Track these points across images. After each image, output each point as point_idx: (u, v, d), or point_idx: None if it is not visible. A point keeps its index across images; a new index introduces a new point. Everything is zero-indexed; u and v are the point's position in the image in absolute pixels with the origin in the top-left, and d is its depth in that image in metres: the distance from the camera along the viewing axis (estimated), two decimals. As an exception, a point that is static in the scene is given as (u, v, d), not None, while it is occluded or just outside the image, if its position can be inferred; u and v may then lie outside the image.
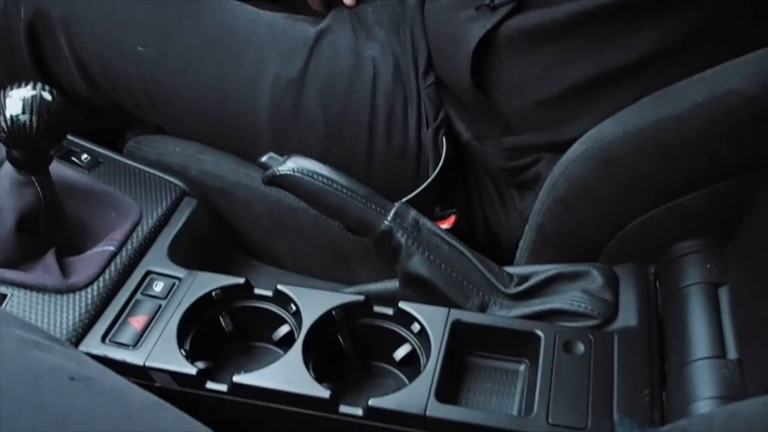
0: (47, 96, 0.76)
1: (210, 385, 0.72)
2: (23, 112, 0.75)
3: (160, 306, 0.78)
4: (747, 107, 0.68)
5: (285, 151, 0.84)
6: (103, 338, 0.75)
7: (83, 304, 0.77)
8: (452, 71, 0.92)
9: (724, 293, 0.72)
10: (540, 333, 0.72)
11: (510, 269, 0.81)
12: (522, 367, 0.74)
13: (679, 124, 0.67)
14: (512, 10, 0.85)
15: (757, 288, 0.65)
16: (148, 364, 0.72)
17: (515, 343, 0.74)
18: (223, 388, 0.71)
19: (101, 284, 0.79)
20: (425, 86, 0.96)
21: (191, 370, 0.72)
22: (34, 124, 0.75)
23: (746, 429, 0.51)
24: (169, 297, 0.78)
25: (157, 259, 0.83)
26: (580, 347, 0.71)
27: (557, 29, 0.83)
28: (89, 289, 0.78)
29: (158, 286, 0.80)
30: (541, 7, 0.83)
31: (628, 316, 0.74)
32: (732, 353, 0.67)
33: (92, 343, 0.75)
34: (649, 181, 0.69)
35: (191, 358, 0.73)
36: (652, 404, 0.68)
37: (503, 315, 0.76)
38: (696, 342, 0.69)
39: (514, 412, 0.71)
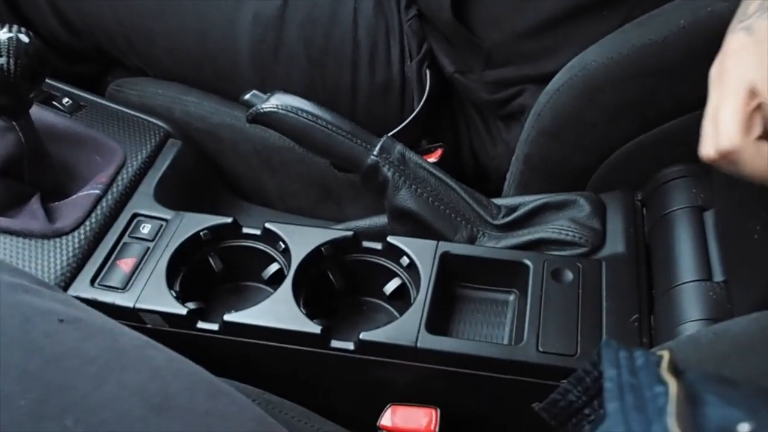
0: (24, 38, 0.75)
1: (201, 324, 0.72)
2: (0, 55, 0.73)
3: (148, 248, 0.77)
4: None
5: (268, 89, 0.83)
6: (92, 282, 0.75)
7: (70, 249, 0.77)
8: (433, 4, 0.91)
9: (709, 217, 0.73)
10: (528, 262, 0.73)
11: (498, 201, 0.81)
12: (511, 297, 0.75)
13: (662, 49, 0.67)
14: None
15: (741, 211, 0.66)
16: (138, 305, 0.72)
17: (504, 274, 0.74)
18: (215, 327, 0.72)
19: (88, 228, 0.79)
20: (407, 19, 0.94)
21: (182, 310, 0.72)
22: (12, 67, 0.74)
23: (731, 347, 0.52)
24: (156, 239, 0.78)
25: (144, 202, 0.83)
26: (569, 275, 0.72)
27: None
28: (76, 233, 0.78)
29: (145, 228, 0.79)
30: None
31: (615, 243, 0.74)
32: (718, 275, 0.67)
33: (81, 287, 0.75)
34: (633, 108, 0.68)
35: (181, 298, 0.74)
36: (641, 329, 0.69)
37: (492, 246, 0.76)
38: (682, 266, 0.69)
39: (505, 342, 0.71)
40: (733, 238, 0.67)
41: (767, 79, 0.52)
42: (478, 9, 0.88)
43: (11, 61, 0.74)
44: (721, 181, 0.72)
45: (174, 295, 0.73)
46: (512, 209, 0.79)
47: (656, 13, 0.73)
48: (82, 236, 0.78)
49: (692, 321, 0.64)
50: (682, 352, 0.54)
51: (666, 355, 0.42)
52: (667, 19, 0.70)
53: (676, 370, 0.41)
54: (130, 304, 0.73)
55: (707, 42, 0.68)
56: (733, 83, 0.53)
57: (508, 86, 0.89)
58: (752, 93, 0.52)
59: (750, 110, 0.52)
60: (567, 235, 0.74)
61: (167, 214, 0.81)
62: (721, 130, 0.52)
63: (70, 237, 0.78)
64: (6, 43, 0.74)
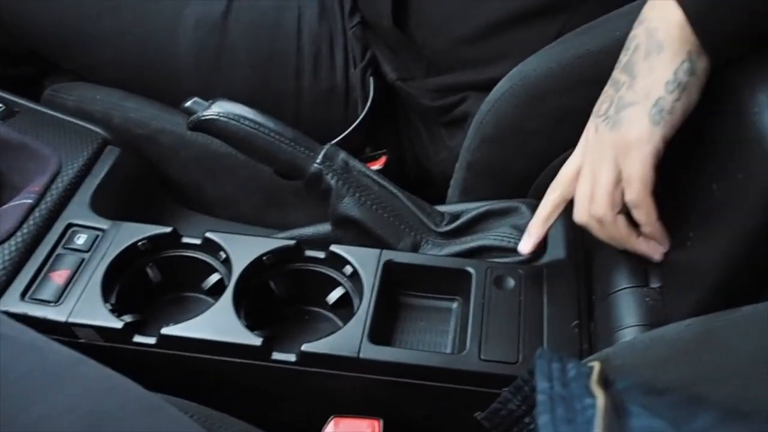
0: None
1: (137, 338, 0.70)
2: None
3: (83, 259, 0.75)
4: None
5: (210, 96, 0.82)
6: (23, 295, 0.72)
7: (0, 261, 0.74)
8: (374, 11, 0.90)
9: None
10: (471, 270, 0.72)
11: (441, 208, 0.81)
12: (455, 305, 0.74)
13: (600, 59, 0.68)
14: None
15: (673, 217, 0.67)
16: (72, 319, 0.70)
17: (447, 281, 0.74)
18: (152, 341, 0.70)
19: (19, 239, 0.76)
20: (351, 26, 0.94)
21: (117, 323, 0.70)
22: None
23: (666, 353, 0.53)
24: (92, 249, 0.76)
25: (79, 211, 0.80)
26: (511, 282, 0.72)
27: None
28: (6, 245, 0.75)
29: (80, 239, 0.77)
30: None
31: (556, 250, 0.75)
32: (654, 281, 0.68)
33: (10, 302, 0.72)
34: (573, 117, 0.69)
35: (118, 311, 0.72)
36: (581, 335, 0.69)
37: (435, 254, 0.76)
38: (620, 272, 0.70)
39: (448, 350, 0.71)
40: (670, 245, 0.68)
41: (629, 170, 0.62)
42: (418, 16, 0.88)
43: (-63, 66, 0.71)
44: (656, 188, 0.73)
45: (109, 308, 0.71)
46: (456, 216, 0.79)
47: (593, 25, 0.74)
48: (13, 248, 0.75)
49: (629, 327, 0.65)
50: (619, 358, 0.55)
51: (597, 366, 0.43)
52: (604, 31, 0.71)
53: (606, 380, 0.42)
54: (63, 318, 0.70)
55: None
56: (606, 165, 0.63)
57: (450, 93, 0.89)
58: (618, 178, 0.63)
59: (616, 191, 0.64)
60: (509, 242, 0.74)
61: (104, 223, 0.78)
62: (596, 202, 0.64)
63: (0, 248, 0.75)
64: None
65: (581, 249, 0.76)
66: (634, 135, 0.61)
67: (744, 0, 0.57)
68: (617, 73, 0.63)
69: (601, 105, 0.64)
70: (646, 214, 0.64)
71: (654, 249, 0.66)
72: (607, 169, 0.63)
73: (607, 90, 0.64)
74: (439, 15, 0.86)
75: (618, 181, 0.63)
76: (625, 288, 0.68)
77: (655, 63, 0.60)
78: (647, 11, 0.62)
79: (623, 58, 0.63)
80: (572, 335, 0.69)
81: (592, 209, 0.65)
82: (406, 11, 0.88)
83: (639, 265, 0.68)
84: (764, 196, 0.53)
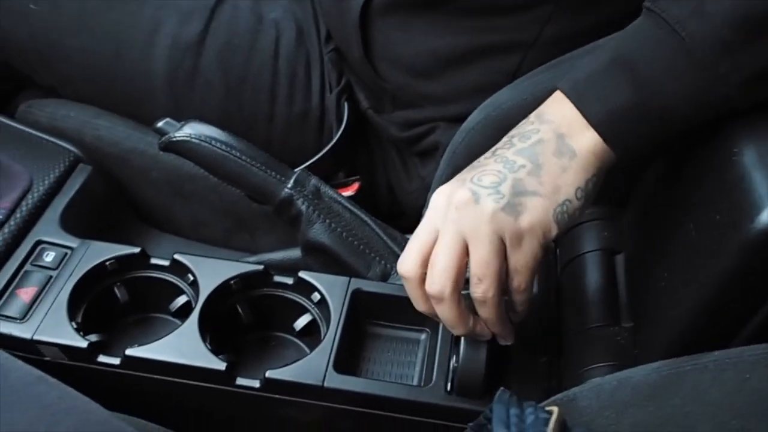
0: None
1: (102, 358, 0.69)
2: None
3: (50, 277, 0.74)
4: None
5: (184, 116, 0.82)
6: (-12, 311, 0.72)
7: (-33, 276, 0.73)
8: (345, 41, 0.91)
9: (620, 261, 0.74)
10: (440, 301, 0.72)
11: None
12: (423, 336, 0.74)
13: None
14: None
15: (648, 256, 0.67)
16: (37, 337, 0.69)
17: (416, 312, 0.73)
18: (116, 361, 0.69)
19: (-14, 255, 0.75)
20: (327, 51, 0.94)
21: (82, 343, 0.69)
22: None
23: (632, 396, 0.53)
24: (60, 267, 0.75)
25: (48, 229, 0.80)
26: (480, 315, 0.72)
27: (425, 1, 0.83)
28: (-27, 260, 0.75)
29: (49, 257, 0.76)
30: None
31: (526, 284, 0.75)
32: (626, 320, 0.68)
33: (-25, 317, 0.71)
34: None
35: (83, 330, 0.71)
36: (550, 371, 0.69)
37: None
38: (591, 309, 0.70)
39: (414, 382, 0.71)
40: (642, 284, 0.68)
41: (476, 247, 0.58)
42: (381, 50, 0.89)
43: None
44: (632, 226, 0.74)
45: (75, 326, 0.70)
46: (426, 246, 0.79)
47: (567, 57, 0.74)
48: (-20, 263, 0.75)
49: (598, 365, 0.65)
50: (586, 398, 0.55)
51: (555, 412, 0.43)
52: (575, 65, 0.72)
53: (563, 427, 0.42)
54: (28, 336, 0.70)
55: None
56: (451, 235, 0.58)
57: (416, 125, 0.90)
58: (465, 249, 0.58)
59: (461, 264, 0.59)
60: (478, 272, 0.74)
61: (73, 242, 0.78)
62: (435, 280, 0.59)
63: (-34, 264, 0.74)
64: None
65: (553, 283, 0.76)
66: (532, 225, 0.58)
67: (658, 113, 0.57)
68: (509, 154, 0.60)
69: (482, 175, 0.59)
70: (525, 299, 0.61)
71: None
72: (482, 244, 0.57)
73: (490, 165, 0.60)
74: (397, 49, 0.87)
75: (484, 260, 0.58)
76: (595, 326, 0.68)
77: (567, 165, 0.59)
78: (552, 114, 0.60)
79: (518, 143, 0.60)
80: (540, 371, 0.69)
81: (440, 283, 0.59)
82: (370, 44, 0.88)
83: (611, 302, 0.69)
84: (741, 239, 0.52)
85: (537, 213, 0.58)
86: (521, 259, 0.59)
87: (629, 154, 0.59)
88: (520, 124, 0.62)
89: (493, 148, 0.62)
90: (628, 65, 0.57)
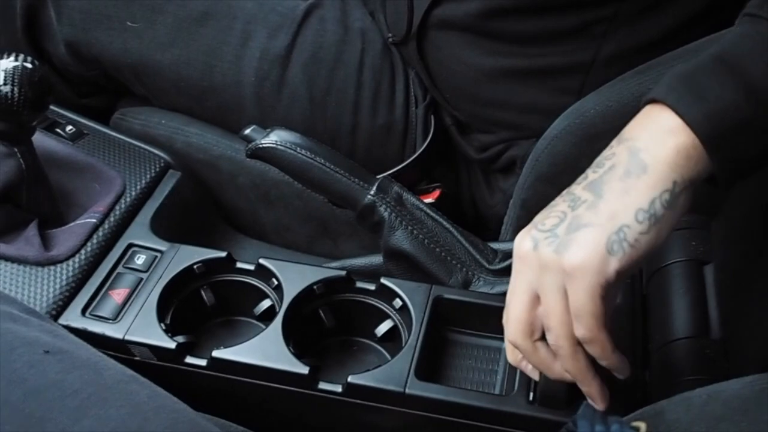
0: (29, 66, 0.75)
1: (189, 359, 0.71)
2: (5, 83, 0.74)
3: (141, 279, 0.77)
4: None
5: (269, 125, 0.84)
6: (84, 311, 0.75)
7: (64, 277, 0.76)
8: (419, 69, 0.93)
9: (709, 271, 0.72)
10: (522, 310, 0.71)
11: (494, 245, 0.81)
12: (504, 344, 0.73)
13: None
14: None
15: (741, 267, 0.65)
16: (128, 337, 0.72)
17: (498, 320, 0.72)
18: (202, 362, 0.71)
19: (82, 257, 0.78)
20: (412, 66, 0.95)
21: (170, 344, 0.71)
22: (16, 95, 0.75)
23: (723, 410, 0.51)
24: (150, 270, 0.78)
25: (140, 232, 0.83)
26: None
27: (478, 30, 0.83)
28: (70, 262, 0.78)
29: (140, 259, 0.79)
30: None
31: (611, 294, 0.73)
32: (715, 333, 0.66)
33: (72, 317, 0.74)
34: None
35: (171, 332, 0.73)
36: (635, 383, 0.68)
37: (486, 291, 0.76)
38: (679, 321, 0.68)
39: (496, 391, 0.70)
40: (734, 295, 0.66)
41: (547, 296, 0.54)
42: (443, 82, 0.90)
43: (15, 89, 0.75)
44: (722, 235, 0.72)
45: (164, 328, 0.73)
46: (508, 254, 0.78)
47: (654, 63, 0.73)
48: (76, 265, 0.78)
49: (687, 379, 0.63)
50: (674, 412, 0.53)
51: (642, 428, 0.41)
52: (666, 70, 0.70)
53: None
54: (120, 336, 0.72)
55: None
56: (522, 285, 0.56)
57: (491, 147, 0.90)
58: (536, 299, 0.56)
59: (532, 315, 0.56)
60: (562, 283, 0.73)
61: (162, 245, 0.80)
62: (509, 330, 0.58)
63: (64, 265, 0.77)
64: (12, 72, 0.75)
65: (639, 294, 0.74)
66: (581, 261, 0.52)
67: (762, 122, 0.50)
68: (578, 190, 0.54)
69: (546, 219, 0.55)
70: (601, 348, 0.55)
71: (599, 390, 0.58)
72: (543, 293, 0.54)
73: (559, 204, 0.55)
74: (459, 79, 0.87)
75: (548, 310, 0.55)
76: (683, 338, 0.66)
77: (631, 186, 0.52)
78: (632, 130, 0.54)
79: (591, 175, 0.55)
80: (625, 383, 0.67)
81: (513, 334, 0.58)
82: (438, 76, 0.90)
83: (700, 314, 0.67)
84: None
85: (586, 246, 0.52)
86: (575, 303, 0.53)
87: (728, 166, 0.52)
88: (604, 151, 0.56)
89: (569, 188, 0.57)
90: (734, 66, 0.51)
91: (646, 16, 0.77)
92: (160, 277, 0.76)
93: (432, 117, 0.94)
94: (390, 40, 0.95)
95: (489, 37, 0.84)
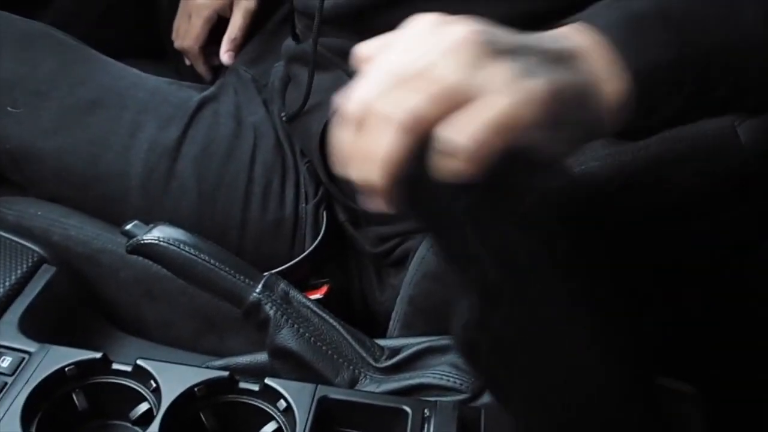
0: None
1: (56, 471, 0.67)
2: None
3: (5, 383, 0.72)
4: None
5: (155, 219, 0.82)
6: (-61, 420, 0.69)
7: None
8: (313, 160, 0.92)
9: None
10: (407, 409, 0.71)
11: (382, 342, 0.80)
12: None
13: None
14: None
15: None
16: (-13, 449, 0.67)
17: (383, 419, 0.72)
18: (70, 473, 0.66)
19: (-59, 360, 0.73)
20: (304, 162, 0.95)
21: (34, 455, 0.66)
22: None
23: None
24: (16, 373, 0.73)
25: (7, 332, 0.78)
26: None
27: None
28: (-75, 367, 0.72)
29: (5, 362, 0.74)
30: None
31: (496, 391, 0.74)
32: None
33: (-75, 429, 0.68)
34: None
35: (38, 440, 0.68)
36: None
37: (372, 390, 0.75)
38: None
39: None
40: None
41: None
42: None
43: None
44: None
45: (28, 437, 0.68)
46: (396, 351, 0.78)
47: None
48: (-66, 370, 0.72)
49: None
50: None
51: None
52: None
53: None
54: (-22, 448, 0.67)
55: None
56: None
57: (389, 240, 0.90)
58: None
59: None
60: (448, 380, 0.73)
61: (31, 346, 0.75)
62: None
63: None
64: None
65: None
66: None
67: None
68: None
69: None
70: None
71: None
72: None
73: None
74: None
75: None
76: None
77: None
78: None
79: None
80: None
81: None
82: (326, 162, 0.89)
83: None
84: None
85: None
86: None
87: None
88: None
89: None
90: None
91: None
92: (27, 380, 0.72)
93: (324, 213, 0.94)
94: (284, 117, 0.94)
95: None
